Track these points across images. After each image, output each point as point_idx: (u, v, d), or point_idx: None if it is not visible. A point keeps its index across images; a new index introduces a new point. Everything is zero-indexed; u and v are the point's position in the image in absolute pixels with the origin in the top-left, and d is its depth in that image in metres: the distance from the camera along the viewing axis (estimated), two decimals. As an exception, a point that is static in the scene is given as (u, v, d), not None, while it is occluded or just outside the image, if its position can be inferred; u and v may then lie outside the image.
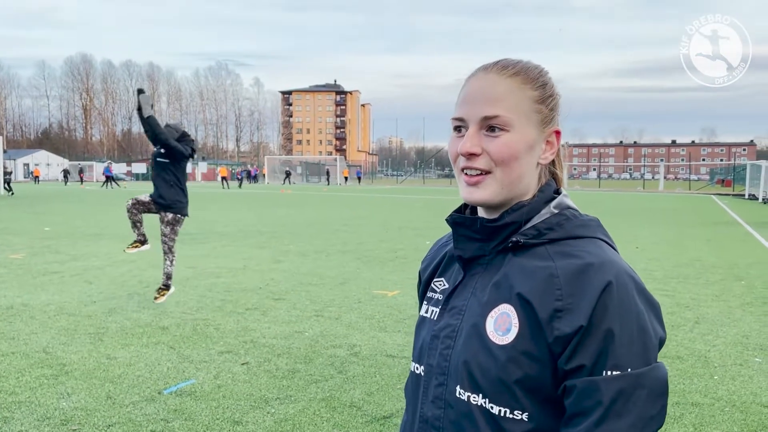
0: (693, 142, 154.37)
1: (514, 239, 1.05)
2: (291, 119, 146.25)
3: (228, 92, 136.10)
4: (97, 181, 60.59)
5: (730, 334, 5.99)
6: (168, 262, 6.45)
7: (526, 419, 0.99)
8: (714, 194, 42.13)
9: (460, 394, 1.03)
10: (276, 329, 5.99)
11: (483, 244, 1.08)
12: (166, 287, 6.54)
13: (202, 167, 76.27)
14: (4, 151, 46.90)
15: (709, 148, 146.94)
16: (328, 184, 62.85)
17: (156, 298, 6.45)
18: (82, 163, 76.28)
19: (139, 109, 6.46)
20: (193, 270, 9.25)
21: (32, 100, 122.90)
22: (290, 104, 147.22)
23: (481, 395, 1.01)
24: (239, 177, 56.26)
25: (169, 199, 6.38)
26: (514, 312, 1.00)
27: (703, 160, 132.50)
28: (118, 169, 68.60)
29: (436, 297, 1.16)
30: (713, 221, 19.87)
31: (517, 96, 1.04)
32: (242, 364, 4.97)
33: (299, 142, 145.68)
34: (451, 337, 1.07)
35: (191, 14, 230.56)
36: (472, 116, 1.04)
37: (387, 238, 13.71)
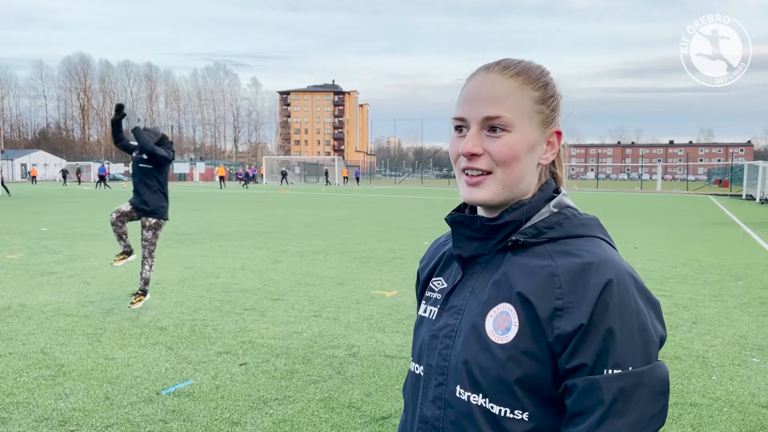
0: (690, 142, 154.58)
1: (513, 238, 1.05)
2: (289, 119, 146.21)
3: (226, 92, 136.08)
4: (94, 182, 60.52)
5: (728, 334, 6.00)
6: (147, 267, 6.34)
7: (527, 419, 0.99)
8: (711, 195, 42.20)
9: (460, 394, 1.03)
10: (274, 330, 5.98)
11: (482, 243, 1.08)
12: (143, 293, 6.42)
13: (200, 167, 76.21)
14: (2, 152, 46.85)
15: (706, 149, 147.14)
16: (328, 184, 62.78)
17: (132, 304, 6.29)
18: (80, 163, 76.17)
19: (115, 122, 6.39)
20: (192, 270, 9.24)
21: (30, 101, 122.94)
22: (288, 104, 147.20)
23: (481, 395, 1.00)
24: (241, 177, 56.00)
25: (152, 204, 6.34)
26: (514, 311, 1.00)
27: (701, 160, 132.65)
28: (116, 169, 68.46)
29: (434, 297, 1.15)
30: (711, 222, 19.90)
31: (518, 96, 1.04)
32: (240, 364, 4.96)
33: (297, 142, 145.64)
34: (450, 336, 1.07)
35: (189, 14, 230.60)
36: (473, 116, 1.04)
37: (385, 239, 13.71)
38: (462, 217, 1.09)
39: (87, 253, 10.86)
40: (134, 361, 5.01)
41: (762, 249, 12.75)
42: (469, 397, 1.02)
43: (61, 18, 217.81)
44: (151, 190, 6.35)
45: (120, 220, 6.35)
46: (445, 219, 1.12)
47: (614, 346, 0.93)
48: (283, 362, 5.02)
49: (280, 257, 10.72)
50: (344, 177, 67.45)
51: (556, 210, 1.07)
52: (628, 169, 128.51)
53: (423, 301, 1.19)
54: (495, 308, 1.02)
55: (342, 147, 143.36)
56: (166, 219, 6.46)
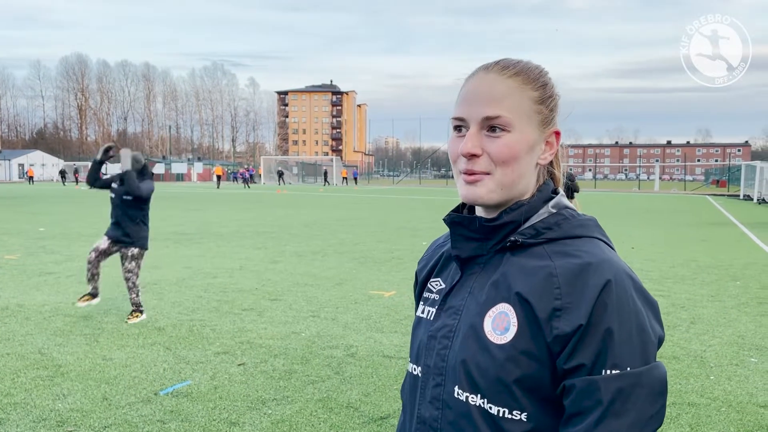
0: (688, 142, 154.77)
1: (512, 239, 1.05)
2: (287, 119, 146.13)
3: (224, 92, 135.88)
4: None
5: (726, 334, 6.01)
6: (134, 294, 6.21)
7: (525, 419, 0.98)
8: (709, 195, 42.26)
9: (458, 394, 1.03)
10: (272, 330, 5.98)
11: (481, 243, 1.08)
12: (140, 312, 6.33)
13: (198, 168, 76.12)
14: (-1, 152, 46.72)
15: (704, 149, 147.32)
16: (327, 184, 62.70)
17: (129, 319, 6.23)
18: (78, 163, 75.98)
19: (98, 163, 6.19)
20: (190, 270, 9.23)
21: (27, 100, 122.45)
22: (286, 104, 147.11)
23: (479, 395, 1.00)
24: (243, 177, 55.80)
25: (135, 236, 6.18)
26: (513, 311, 1.00)
27: (698, 160, 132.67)
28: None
29: (432, 297, 1.15)
30: (708, 222, 19.93)
31: (518, 96, 1.04)
32: (239, 364, 4.96)
33: (295, 142, 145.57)
34: (448, 337, 1.07)
35: (187, 14, 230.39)
36: (473, 116, 1.04)
37: (384, 239, 13.70)
38: (460, 218, 1.09)
39: (85, 254, 10.81)
40: (132, 361, 5.01)
41: (760, 249, 12.77)
42: (467, 397, 1.02)
43: (61, 18, 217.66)
44: (134, 222, 6.18)
45: (98, 259, 6.17)
46: (444, 219, 1.12)
47: (613, 347, 0.93)
48: (282, 362, 5.02)
49: (279, 257, 10.72)
50: (344, 177, 67.38)
51: (554, 210, 1.07)
52: (625, 170, 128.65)
53: (421, 302, 1.19)
54: (494, 308, 1.02)
55: (340, 147, 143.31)
56: (146, 248, 6.31)
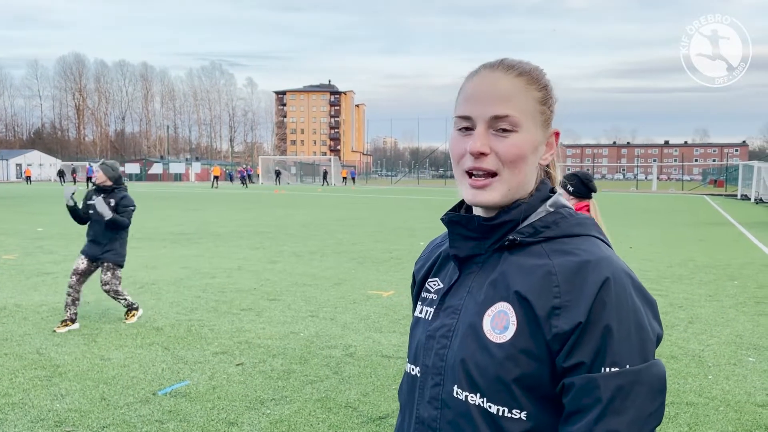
0: (686, 142, 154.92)
1: (510, 237, 1.05)
2: (285, 119, 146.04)
3: (222, 92, 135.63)
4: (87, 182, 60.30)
5: (724, 333, 6.02)
6: (123, 301, 6.16)
7: (525, 418, 0.99)
8: (707, 194, 42.32)
9: (457, 393, 1.03)
10: (271, 330, 5.98)
11: (479, 242, 1.08)
12: (135, 309, 6.27)
13: (196, 168, 76.02)
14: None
15: (701, 149, 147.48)
16: (326, 184, 62.66)
17: (127, 319, 6.19)
18: (75, 163, 75.85)
19: (71, 208, 6.09)
20: (188, 270, 9.23)
21: (24, 100, 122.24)
22: (284, 104, 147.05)
23: (479, 394, 1.00)
24: (241, 176, 55.74)
25: (115, 251, 6.10)
26: (512, 310, 1.00)
27: (696, 160, 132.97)
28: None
29: (430, 297, 1.15)
30: (706, 221, 19.96)
31: (524, 96, 1.04)
32: (237, 364, 4.95)
33: (293, 142, 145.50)
34: (447, 336, 1.07)
35: (185, 14, 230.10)
36: (480, 115, 1.03)
37: (382, 239, 13.71)
38: (458, 217, 1.09)
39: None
40: (130, 361, 5.00)
41: (757, 249, 12.79)
42: (466, 396, 1.02)
43: (61, 18, 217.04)
44: (114, 239, 6.09)
45: (80, 281, 6.07)
46: (442, 219, 1.12)
47: (612, 344, 0.94)
48: (280, 362, 5.02)
49: (277, 257, 10.71)
50: (343, 177, 67.32)
51: (552, 209, 1.07)
52: (623, 169, 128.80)
53: (419, 302, 1.19)
54: (492, 307, 1.03)
55: (338, 147, 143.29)
56: (122, 267, 6.20)
